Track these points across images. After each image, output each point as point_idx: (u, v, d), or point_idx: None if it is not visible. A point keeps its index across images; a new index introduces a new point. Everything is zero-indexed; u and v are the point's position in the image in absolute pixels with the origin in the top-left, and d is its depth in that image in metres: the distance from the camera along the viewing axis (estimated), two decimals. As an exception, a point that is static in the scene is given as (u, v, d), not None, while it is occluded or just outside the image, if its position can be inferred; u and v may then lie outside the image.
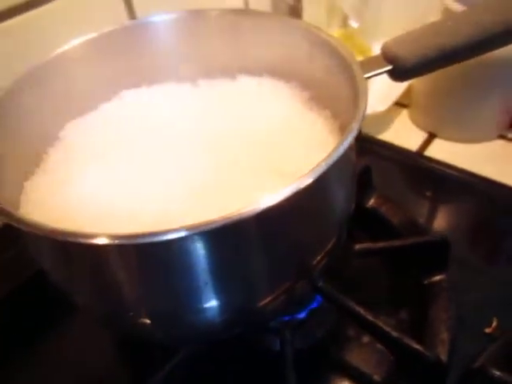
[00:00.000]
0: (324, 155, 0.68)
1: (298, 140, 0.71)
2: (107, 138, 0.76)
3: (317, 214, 0.56)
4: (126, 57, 0.80)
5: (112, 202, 0.65)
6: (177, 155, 0.71)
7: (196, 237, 0.46)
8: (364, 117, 0.52)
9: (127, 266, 0.51)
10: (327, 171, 0.46)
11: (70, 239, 0.47)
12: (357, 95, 0.56)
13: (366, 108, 0.53)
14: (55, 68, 0.73)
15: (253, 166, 0.68)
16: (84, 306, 0.68)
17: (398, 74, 0.64)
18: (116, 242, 0.45)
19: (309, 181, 0.46)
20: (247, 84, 0.81)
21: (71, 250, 0.52)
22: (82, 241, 0.46)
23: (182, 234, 0.45)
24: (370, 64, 0.63)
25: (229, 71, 0.83)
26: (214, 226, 0.45)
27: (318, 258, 0.61)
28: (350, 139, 0.50)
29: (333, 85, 0.70)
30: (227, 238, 0.47)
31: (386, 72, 0.64)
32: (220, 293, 0.53)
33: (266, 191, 0.63)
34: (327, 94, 0.73)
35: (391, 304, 0.83)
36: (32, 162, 0.72)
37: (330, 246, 0.61)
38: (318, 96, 0.75)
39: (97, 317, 0.72)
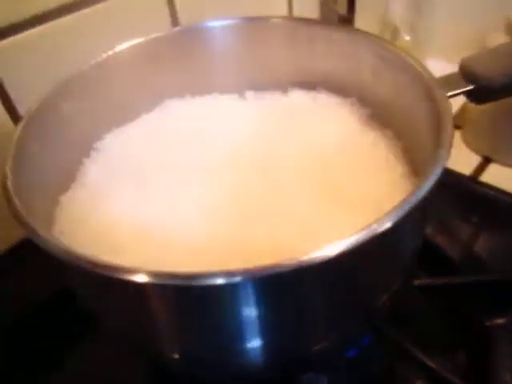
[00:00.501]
0: (388, 181, 0.63)
1: (358, 162, 0.65)
2: (148, 151, 0.70)
3: (387, 257, 0.49)
4: (171, 64, 0.75)
5: (151, 223, 0.59)
6: (223, 174, 0.65)
7: (250, 283, 0.39)
8: (452, 144, 0.45)
9: (167, 305, 0.46)
10: (409, 213, 0.39)
11: (106, 273, 0.41)
12: (440, 118, 0.49)
13: (453, 134, 0.46)
14: (97, 75, 0.68)
15: (307, 190, 0.62)
16: (113, 331, 0.62)
17: (479, 95, 0.57)
18: (156, 281, 0.40)
19: (387, 225, 0.39)
20: (300, 98, 0.75)
21: (105, 282, 0.46)
22: (119, 276, 0.41)
23: (237, 279, 0.39)
24: (447, 83, 0.56)
25: (280, 84, 0.77)
26: (272, 271, 0.39)
27: (383, 299, 0.54)
28: (438, 172, 0.43)
29: (399, 102, 0.64)
30: (286, 284, 0.42)
31: (465, 92, 0.57)
32: (269, 338, 0.48)
33: (324, 221, 0.58)
34: (390, 112, 0.66)
35: (448, 345, 0.75)
36: (68, 174, 0.67)
37: (395, 286, 0.55)
38: (380, 114, 0.68)
39: (126, 343, 0.66)
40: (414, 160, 0.63)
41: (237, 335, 0.46)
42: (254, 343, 0.47)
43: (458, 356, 0.73)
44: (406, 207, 0.41)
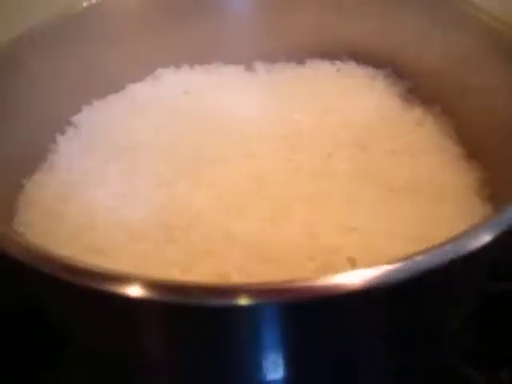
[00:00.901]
0: (440, 164, 0.51)
1: (400, 143, 0.52)
2: (134, 128, 0.56)
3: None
4: (167, 24, 0.61)
5: (141, 218, 0.46)
6: (231, 159, 0.52)
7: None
8: None
9: (163, 325, 0.34)
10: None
11: (88, 283, 0.30)
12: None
13: None
14: (74, 28, 0.54)
15: (341, 178, 0.49)
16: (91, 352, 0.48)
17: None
18: (157, 297, 0.29)
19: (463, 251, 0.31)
20: (322, 69, 0.62)
21: (84, 294, 0.32)
22: (104, 288, 0.29)
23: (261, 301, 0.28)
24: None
25: (296, 54, 0.64)
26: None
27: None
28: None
29: (454, 71, 0.52)
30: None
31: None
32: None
33: (365, 212, 0.46)
34: (440, 85, 0.54)
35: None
36: (36, 152, 0.52)
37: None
38: (425, 87, 0.57)
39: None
40: (474, 140, 0.51)
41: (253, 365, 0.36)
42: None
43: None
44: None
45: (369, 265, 0.38)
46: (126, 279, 0.29)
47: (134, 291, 0.28)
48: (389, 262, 0.29)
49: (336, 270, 0.39)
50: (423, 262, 0.30)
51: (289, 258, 0.41)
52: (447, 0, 0.52)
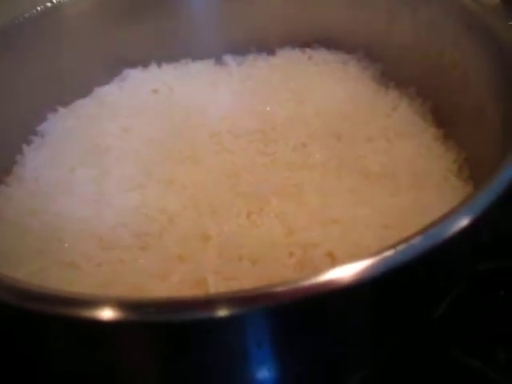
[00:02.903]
0: (418, 147, 0.50)
1: (377, 128, 0.51)
2: (104, 133, 0.54)
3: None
4: (131, 22, 0.59)
5: (116, 228, 0.44)
6: (206, 158, 0.50)
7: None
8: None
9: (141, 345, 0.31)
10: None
11: (52, 310, 0.27)
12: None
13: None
14: (34, 31, 0.52)
15: (318, 169, 0.48)
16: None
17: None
18: (130, 317, 0.26)
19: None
20: (293, 58, 0.61)
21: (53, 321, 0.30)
22: (73, 314, 0.27)
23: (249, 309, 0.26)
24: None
25: (265, 44, 0.63)
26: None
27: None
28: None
29: (427, 50, 0.51)
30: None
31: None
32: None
33: (345, 202, 0.45)
34: (413, 65, 0.53)
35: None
36: (1, 166, 0.50)
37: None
38: (398, 69, 0.55)
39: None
40: (449, 120, 0.50)
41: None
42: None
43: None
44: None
45: (349, 259, 0.37)
46: (97, 302, 0.26)
47: (107, 314, 0.26)
48: (370, 255, 0.27)
49: (315, 266, 0.39)
50: (403, 252, 0.28)
51: (266, 255, 0.40)
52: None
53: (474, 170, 0.46)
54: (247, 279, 0.38)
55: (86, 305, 0.26)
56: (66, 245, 0.42)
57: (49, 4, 0.51)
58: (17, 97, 0.52)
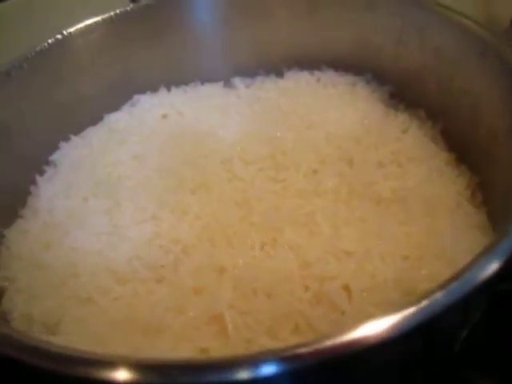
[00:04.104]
0: (429, 171, 0.50)
1: (387, 154, 0.51)
2: (117, 161, 0.54)
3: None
4: (139, 48, 0.59)
5: (132, 263, 0.44)
6: (218, 185, 0.50)
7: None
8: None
9: None
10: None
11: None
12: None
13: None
14: (44, 63, 0.52)
15: (329, 196, 0.48)
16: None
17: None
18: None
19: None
20: (301, 80, 0.61)
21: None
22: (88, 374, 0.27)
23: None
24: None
25: (273, 66, 0.63)
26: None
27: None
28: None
29: (436, 73, 0.51)
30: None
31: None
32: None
33: (359, 230, 0.45)
34: (421, 88, 0.53)
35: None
36: (15, 197, 0.51)
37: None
38: (407, 91, 0.55)
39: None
40: (461, 144, 0.50)
41: None
42: None
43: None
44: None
45: (365, 292, 0.37)
46: (113, 363, 0.26)
47: (122, 375, 0.26)
48: (400, 309, 0.27)
49: (331, 300, 0.39)
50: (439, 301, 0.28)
51: (281, 289, 0.40)
52: (418, 2, 0.50)
53: (487, 195, 0.46)
54: (262, 314, 0.38)
55: (104, 365, 0.26)
56: (82, 280, 0.43)
57: (59, 36, 0.52)
58: (30, 127, 0.53)
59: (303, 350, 0.27)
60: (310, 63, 0.61)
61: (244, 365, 0.26)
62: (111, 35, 0.56)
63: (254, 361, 0.27)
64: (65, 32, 0.52)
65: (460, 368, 0.48)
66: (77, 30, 0.53)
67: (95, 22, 0.54)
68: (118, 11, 0.54)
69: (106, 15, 0.54)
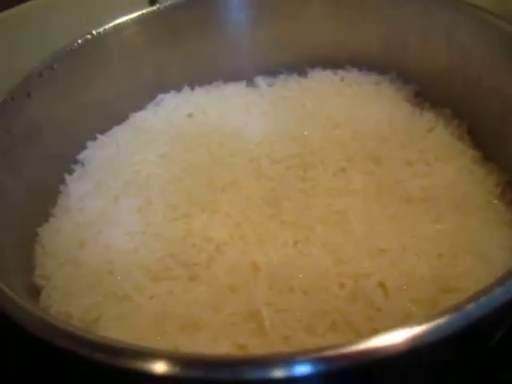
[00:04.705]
0: (456, 170, 0.50)
1: (414, 152, 0.51)
2: (144, 159, 0.55)
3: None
4: (164, 48, 0.60)
5: (166, 260, 0.45)
6: (241, 181, 0.51)
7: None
8: None
9: None
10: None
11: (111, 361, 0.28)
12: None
13: None
14: (71, 63, 0.53)
15: (359, 195, 0.48)
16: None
17: None
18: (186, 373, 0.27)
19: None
20: (325, 79, 0.61)
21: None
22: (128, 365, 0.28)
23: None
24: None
25: (296, 64, 0.63)
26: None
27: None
28: None
29: (462, 72, 0.51)
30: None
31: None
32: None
33: (389, 229, 0.45)
34: (448, 86, 0.53)
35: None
36: (46, 196, 0.52)
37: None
38: (432, 90, 0.55)
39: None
40: (488, 141, 0.50)
41: None
42: None
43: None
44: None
45: (401, 289, 0.38)
46: (152, 355, 0.27)
47: (160, 368, 0.27)
48: (439, 314, 0.28)
49: (368, 298, 0.39)
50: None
51: (317, 286, 0.40)
52: (445, 0, 0.50)
53: (518, 193, 0.46)
54: (300, 311, 0.39)
55: (144, 357, 0.26)
56: (118, 278, 0.43)
57: (89, 36, 0.52)
58: (59, 127, 0.53)
59: (338, 351, 0.27)
60: (333, 62, 0.62)
61: (279, 363, 0.27)
62: (139, 35, 0.56)
63: (290, 359, 0.27)
64: (94, 32, 0.52)
65: (496, 369, 0.48)
66: (106, 29, 0.53)
67: (124, 22, 0.54)
68: (145, 11, 0.55)
69: (134, 14, 0.54)
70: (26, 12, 0.61)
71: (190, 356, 0.30)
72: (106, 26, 0.53)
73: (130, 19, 0.54)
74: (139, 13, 0.55)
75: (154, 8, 0.55)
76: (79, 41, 0.51)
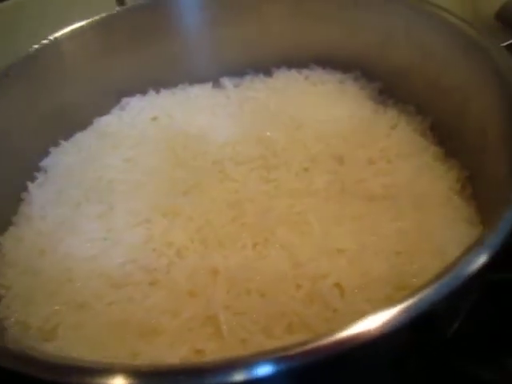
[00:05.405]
0: (418, 166, 0.50)
1: (377, 151, 0.51)
2: (108, 164, 0.54)
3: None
4: (127, 51, 0.59)
5: (126, 268, 0.45)
6: (204, 184, 0.51)
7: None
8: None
9: None
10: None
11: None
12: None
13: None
14: (31, 69, 0.52)
15: (321, 194, 0.48)
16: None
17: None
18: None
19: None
20: (290, 79, 0.61)
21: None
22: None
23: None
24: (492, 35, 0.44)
25: (261, 65, 0.63)
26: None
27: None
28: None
29: (424, 69, 0.51)
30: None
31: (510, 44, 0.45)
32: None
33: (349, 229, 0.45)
34: (410, 83, 0.53)
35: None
36: (7, 204, 0.51)
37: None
38: (395, 87, 0.55)
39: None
40: (449, 138, 0.50)
41: None
42: None
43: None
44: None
45: (358, 289, 0.38)
46: (109, 371, 0.27)
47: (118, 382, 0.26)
48: (390, 306, 0.28)
49: (324, 299, 0.39)
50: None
51: (275, 288, 0.40)
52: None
53: (477, 189, 0.46)
54: (257, 313, 0.39)
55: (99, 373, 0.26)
56: (77, 285, 0.43)
57: (46, 41, 0.52)
58: (19, 134, 0.53)
59: (297, 350, 0.27)
60: (298, 61, 0.62)
61: (239, 367, 0.27)
62: (98, 39, 0.56)
63: (249, 362, 0.27)
64: (51, 37, 0.52)
65: (454, 359, 0.48)
66: (63, 34, 0.53)
67: (81, 27, 0.54)
68: (104, 15, 0.54)
69: (91, 19, 0.54)
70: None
71: (143, 368, 0.29)
72: (64, 31, 0.52)
73: (88, 24, 0.54)
74: (97, 17, 0.54)
75: (114, 12, 0.54)
76: (35, 46, 0.51)
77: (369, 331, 0.28)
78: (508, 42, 0.42)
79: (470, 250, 0.31)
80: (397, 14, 0.51)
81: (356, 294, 0.39)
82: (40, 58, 0.52)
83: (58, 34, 0.52)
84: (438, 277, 0.30)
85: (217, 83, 0.64)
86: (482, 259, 0.31)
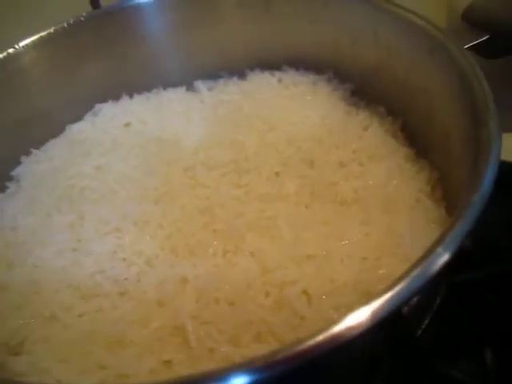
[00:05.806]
0: (390, 168, 0.50)
1: (349, 153, 0.51)
2: (80, 173, 0.54)
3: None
4: (97, 57, 0.59)
5: (85, 268, 0.45)
6: (175, 191, 0.50)
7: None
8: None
9: None
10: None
11: None
12: (465, 77, 0.36)
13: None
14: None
15: (292, 199, 0.48)
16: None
17: (493, 47, 0.45)
18: None
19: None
20: (263, 81, 0.61)
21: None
22: None
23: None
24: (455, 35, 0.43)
25: (235, 67, 0.63)
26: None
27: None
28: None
29: (393, 70, 0.51)
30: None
31: (476, 45, 0.44)
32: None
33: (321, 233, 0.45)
34: (381, 84, 0.53)
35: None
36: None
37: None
38: (367, 88, 0.55)
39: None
40: (420, 139, 0.50)
41: None
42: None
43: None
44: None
45: (324, 296, 0.38)
46: None
47: None
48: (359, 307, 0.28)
49: (292, 306, 0.39)
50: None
51: (243, 296, 0.40)
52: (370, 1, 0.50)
53: (447, 190, 0.46)
54: (224, 323, 0.39)
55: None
56: (45, 298, 0.43)
57: (11, 50, 0.51)
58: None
59: (266, 360, 0.27)
60: (271, 63, 0.61)
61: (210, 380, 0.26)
62: (65, 46, 0.55)
63: (222, 375, 0.27)
64: (17, 46, 0.51)
65: (425, 358, 0.48)
66: (30, 42, 0.52)
67: (48, 34, 0.53)
68: (71, 21, 0.53)
69: (58, 26, 0.53)
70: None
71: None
72: (30, 39, 0.52)
73: (55, 30, 0.53)
74: (64, 24, 0.53)
75: (81, 18, 0.54)
76: (0, 55, 0.50)
77: (338, 336, 0.28)
78: (472, 43, 0.42)
79: (430, 252, 0.31)
80: (365, 15, 0.51)
81: (323, 300, 0.38)
82: (6, 66, 0.52)
83: (23, 42, 0.52)
84: (400, 279, 0.30)
85: (191, 87, 0.64)
86: (442, 259, 0.31)
